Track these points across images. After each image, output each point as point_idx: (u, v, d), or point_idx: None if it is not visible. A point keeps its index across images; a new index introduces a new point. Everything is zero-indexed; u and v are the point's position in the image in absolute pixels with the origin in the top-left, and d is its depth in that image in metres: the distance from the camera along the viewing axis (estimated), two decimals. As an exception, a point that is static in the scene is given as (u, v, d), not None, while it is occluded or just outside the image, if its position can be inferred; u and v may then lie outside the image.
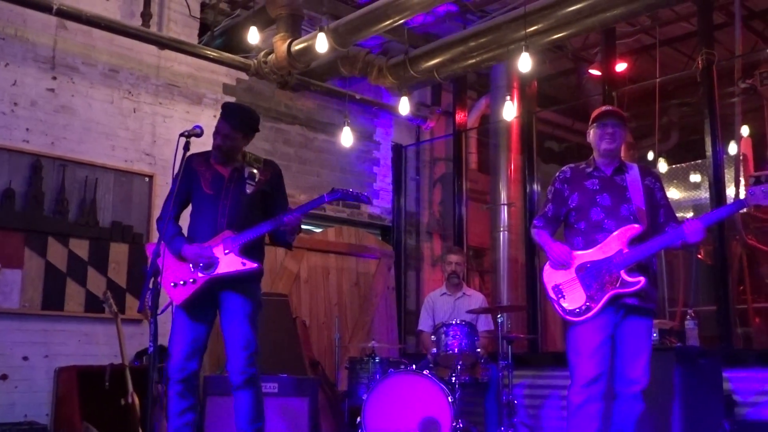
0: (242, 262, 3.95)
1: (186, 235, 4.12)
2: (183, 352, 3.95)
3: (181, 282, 3.98)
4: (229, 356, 3.98)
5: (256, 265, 3.98)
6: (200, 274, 3.95)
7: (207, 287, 3.98)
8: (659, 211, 3.84)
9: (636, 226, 3.68)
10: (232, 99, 6.87)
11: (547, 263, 3.88)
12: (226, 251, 3.96)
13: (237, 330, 3.97)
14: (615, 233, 3.70)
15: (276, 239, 4.23)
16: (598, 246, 3.72)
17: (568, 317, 3.73)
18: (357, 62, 6.81)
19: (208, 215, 4.05)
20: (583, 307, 3.68)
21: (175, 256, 4.02)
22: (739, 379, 5.18)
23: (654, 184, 3.88)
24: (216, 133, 4.10)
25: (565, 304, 3.74)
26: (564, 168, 4.02)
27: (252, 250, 4.02)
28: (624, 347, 3.73)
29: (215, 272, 3.95)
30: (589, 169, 3.91)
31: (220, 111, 4.23)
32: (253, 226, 3.98)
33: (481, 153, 8.53)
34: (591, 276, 3.70)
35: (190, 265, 3.99)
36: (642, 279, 3.62)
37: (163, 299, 3.86)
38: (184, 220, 4.22)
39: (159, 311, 3.66)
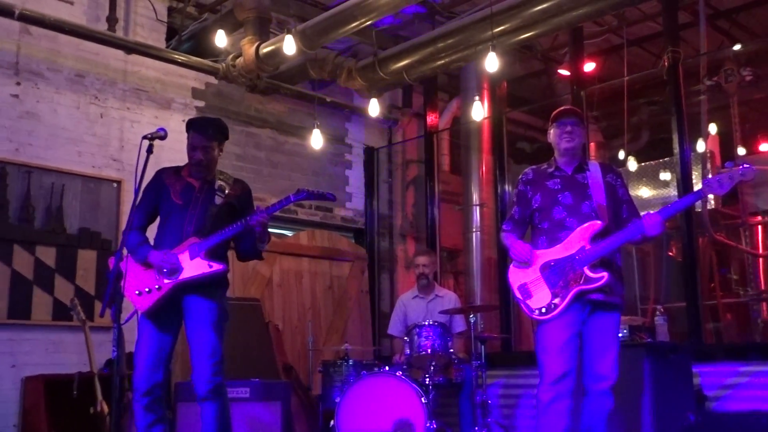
0: (209, 264, 3.90)
1: (153, 244, 4.07)
2: (148, 364, 3.87)
3: (146, 290, 3.92)
4: (194, 365, 3.90)
5: (222, 266, 3.93)
6: (165, 281, 3.90)
7: (172, 294, 3.91)
8: (622, 207, 3.87)
9: (597, 222, 3.70)
10: (201, 103, 6.83)
11: (512, 263, 3.89)
12: (192, 257, 3.91)
13: (202, 338, 3.90)
14: (577, 230, 3.72)
15: (245, 251, 4.18)
16: (561, 244, 3.74)
17: (534, 316, 3.74)
18: (326, 65, 6.79)
19: (175, 224, 4.01)
20: (549, 306, 3.69)
21: (140, 264, 3.96)
22: (709, 374, 5.23)
23: (615, 180, 3.91)
24: (193, 149, 4.06)
25: (531, 303, 3.75)
26: (526, 170, 4.06)
27: (217, 256, 3.98)
28: (592, 343, 3.74)
29: (180, 277, 3.90)
30: (551, 169, 3.94)
31: (186, 128, 4.16)
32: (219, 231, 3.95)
33: (452, 154, 8.55)
34: (555, 274, 3.71)
35: (155, 272, 3.93)
36: (605, 274, 3.64)
37: (129, 308, 3.82)
38: (153, 231, 4.17)
39: (123, 320, 3.63)
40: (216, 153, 4.13)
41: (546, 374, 3.70)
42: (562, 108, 4.02)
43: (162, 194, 4.09)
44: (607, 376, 3.70)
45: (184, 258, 3.91)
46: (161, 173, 4.16)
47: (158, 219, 4.16)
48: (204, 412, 3.90)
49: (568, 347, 3.67)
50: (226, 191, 4.12)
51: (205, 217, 4.01)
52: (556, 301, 3.68)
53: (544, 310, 3.70)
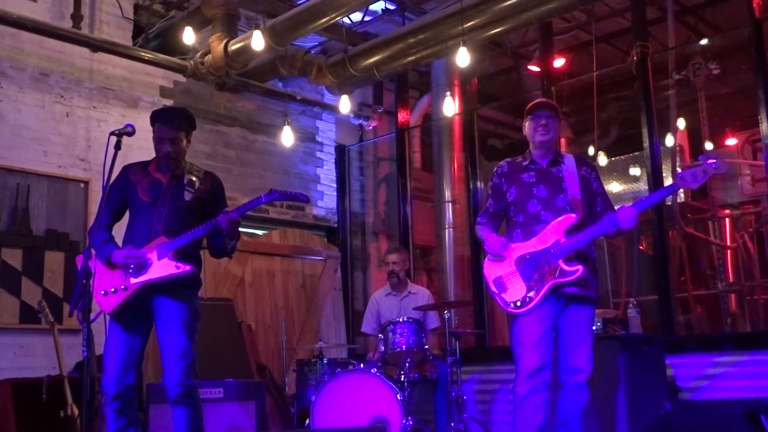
0: (176, 266, 3.79)
1: (121, 244, 3.96)
2: (117, 366, 3.76)
3: (112, 290, 3.81)
4: (165, 368, 3.80)
5: (189, 267, 3.82)
6: (132, 280, 3.79)
7: (140, 295, 3.81)
8: (596, 200, 3.88)
9: (572, 215, 3.71)
10: (169, 102, 6.75)
11: (487, 257, 3.88)
12: (160, 257, 3.80)
13: (173, 339, 3.80)
14: (552, 224, 3.72)
15: (215, 248, 4.08)
16: (536, 237, 3.74)
17: (509, 309, 3.74)
18: (296, 62, 6.75)
19: (143, 222, 3.90)
20: (524, 299, 3.69)
21: (104, 263, 3.85)
22: (681, 365, 5.28)
23: (590, 173, 3.92)
24: (161, 142, 3.93)
25: (506, 297, 3.75)
26: (501, 163, 4.05)
27: (187, 256, 3.88)
28: (566, 337, 3.74)
29: (148, 278, 3.79)
30: (526, 162, 3.93)
31: (151, 120, 4.03)
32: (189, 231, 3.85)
33: (424, 152, 8.55)
34: (530, 267, 3.71)
35: (122, 272, 3.82)
36: (580, 267, 3.64)
37: (97, 308, 3.73)
38: (120, 229, 4.07)
39: (91, 319, 3.54)
40: (184, 144, 4.01)
41: (522, 368, 3.69)
42: (537, 101, 4.02)
43: (129, 191, 3.97)
44: (582, 369, 3.71)
45: (152, 257, 3.81)
46: (127, 169, 4.04)
47: (126, 217, 4.06)
48: (176, 416, 3.82)
49: (544, 340, 3.68)
50: (196, 186, 4.01)
51: (174, 216, 3.90)
52: (531, 294, 3.67)
53: (519, 303, 3.70)
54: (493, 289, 3.82)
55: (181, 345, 3.80)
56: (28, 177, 5.72)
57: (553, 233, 3.70)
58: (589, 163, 4.05)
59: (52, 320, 4.98)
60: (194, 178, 4.03)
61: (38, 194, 5.75)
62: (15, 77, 5.80)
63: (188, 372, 3.79)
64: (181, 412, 3.80)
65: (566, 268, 3.65)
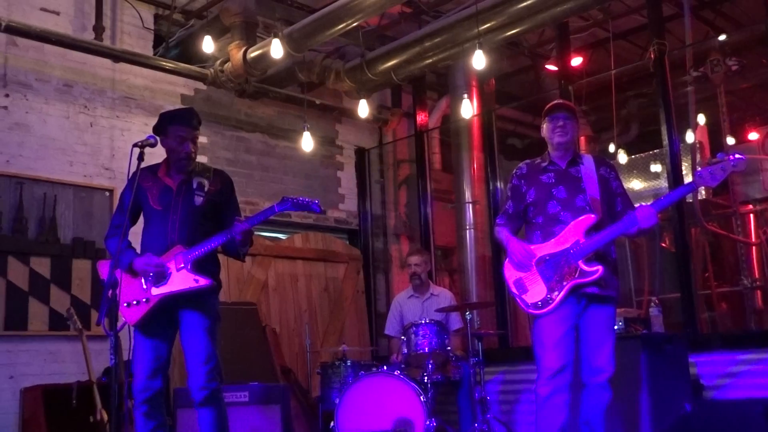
0: (195, 279, 3.84)
1: (139, 250, 4.03)
2: (145, 372, 3.87)
3: (134, 302, 3.88)
4: (190, 372, 3.89)
5: (208, 281, 3.88)
6: (153, 291, 3.86)
7: (161, 306, 3.89)
8: (616, 199, 3.89)
9: (591, 216, 3.72)
10: (190, 109, 6.83)
11: (507, 259, 3.91)
12: (179, 267, 3.86)
13: (196, 345, 3.88)
14: (571, 224, 3.74)
15: (228, 252, 4.12)
16: (556, 238, 3.76)
17: (530, 311, 3.77)
18: (314, 67, 6.80)
19: (158, 231, 3.95)
20: (545, 300, 3.71)
21: (125, 271, 3.90)
22: (705, 363, 5.24)
23: (609, 173, 3.93)
24: (182, 142, 3.96)
25: (526, 298, 3.77)
26: (520, 164, 4.07)
27: (206, 264, 3.94)
28: (588, 337, 3.76)
29: (168, 290, 3.86)
30: (544, 164, 3.95)
31: (166, 121, 4.05)
32: (205, 240, 3.88)
33: (443, 153, 8.56)
34: (550, 268, 3.73)
35: (142, 281, 3.89)
36: (600, 267, 3.66)
37: (120, 318, 3.81)
38: (136, 235, 4.13)
39: (114, 330, 3.61)
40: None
41: (543, 368, 3.72)
42: (554, 102, 4.03)
43: (140, 198, 4.03)
44: (604, 369, 3.73)
45: (171, 267, 3.87)
46: (137, 175, 4.03)
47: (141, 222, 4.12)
48: (201, 418, 3.90)
49: (565, 341, 3.69)
50: (206, 188, 4.04)
51: (187, 222, 3.95)
52: (552, 295, 3.70)
53: (539, 304, 3.72)
54: (514, 290, 3.84)
55: (205, 349, 3.88)
56: (54, 187, 5.83)
57: (572, 234, 3.72)
58: (608, 162, 4.06)
59: (80, 327, 5.09)
60: (203, 180, 4.06)
61: (64, 203, 5.86)
62: (40, 89, 5.91)
63: (212, 375, 3.87)
64: (207, 415, 3.88)
65: (586, 268, 3.66)
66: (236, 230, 3.85)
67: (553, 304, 3.70)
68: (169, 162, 4.09)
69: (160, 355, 3.93)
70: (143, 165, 3.76)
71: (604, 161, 4.05)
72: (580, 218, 3.73)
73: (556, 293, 3.69)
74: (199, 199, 3.99)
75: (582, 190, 3.82)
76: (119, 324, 3.68)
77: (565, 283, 3.68)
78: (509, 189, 4.04)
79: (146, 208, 4.03)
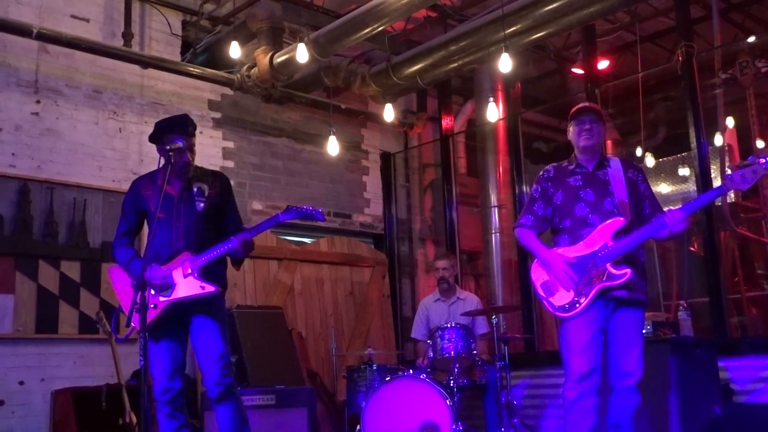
0: (201, 286, 3.92)
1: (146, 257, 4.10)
2: (165, 373, 3.95)
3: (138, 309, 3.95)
4: (204, 371, 3.97)
5: (214, 288, 3.95)
6: (161, 299, 3.93)
7: (170, 311, 3.96)
8: (644, 202, 3.86)
9: (620, 219, 3.70)
10: (217, 115, 6.91)
11: (535, 261, 3.89)
12: (186, 274, 3.93)
13: (209, 344, 3.96)
14: (599, 227, 3.71)
15: (228, 254, 4.16)
16: (584, 241, 3.74)
17: (557, 313, 3.75)
18: (340, 72, 6.83)
19: (163, 238, 4.00)
20: (572, 303, 3.69)
21: (134, 279, 3.98)
22: (735, 368, 5.18)
23: (637, 176, 3.90)
24: (180, 152, 3.94)
25: (553, 301, 3.75)
26: (547, 167, 4.05)
27: (212, 268, 4.00)
28: (616, 340, 3.73)
29: (175, 297, 3.93)
30: (572, 167, 3.93)
31: (163, 130, 4.08)
32: (211, 246, 3.95)
33: (469, 157, 8.55)
34: (578, 271, 3.70)
35: (149, 289, 3.93)
36: (628, 271, 3.63)
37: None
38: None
39: (124, 336, 3.88)
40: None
41: (571, 372, 3.69)
42: (580, 105, 4.01)
43: (142, 206, 4.10)
44: (632, 373, 3.69)
45: (177, 274, 3.94)
46: (137, 184, 4.17)
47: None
48: (219, 414, 3.97)
49: (593, 344, 3.67)
50: (206, 193, 4.09)
51: (191, 229, 4.01)
52: (579, 298, 3.67)
53: (566, 307, 3.70)
54: (541, 293, 3.82)
55: (218, 347, 3.96)
56: (84, 191, 5.91)
57: (600, 237, 3.70)
58: (636, 165, 4.03)
59: (109, 330, 5.14)
60: (203, 186, 4.10)
61: (94, 208, 5.93)
62: (70, 95, 6.00)
63: (226, 370, 3.94)
64: (225, 409, 3.95)
65: (614, 271, 3.64)
66: (239, 238, 3.91)
67: (580, 308, 3.67)
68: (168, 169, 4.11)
69: (176, 356, 4.01)
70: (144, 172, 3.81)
71: (632, 164, 4.02)
72: (609, 221, 3.70)
73: (584, 296, 3.67)
74: (201, 205, 4.05)
75: (610, 193, 3.79)
76: (128, 331, 3.81)
77: (592, 286, 3.66)
78: (536, 191, 4.00)
79: (150, 217, 4.08)
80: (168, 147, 3.74)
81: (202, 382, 3.98)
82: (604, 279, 3.65)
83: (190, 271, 3.92)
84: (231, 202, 4.24)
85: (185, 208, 4.04)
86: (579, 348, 3.68)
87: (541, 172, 4.03)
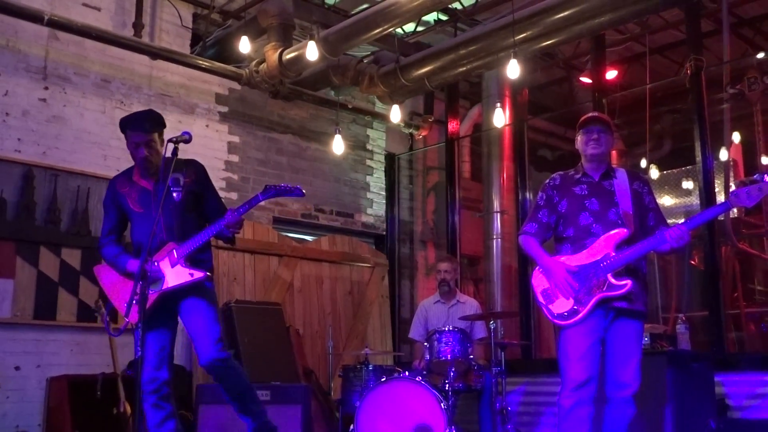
0: (189, 273, 3.96)
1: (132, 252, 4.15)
2: (151, 363, 3.96)
3: (134, 301, 3.90)
4: (199, 350, 3.97)
5: (202, 274, 3.99)
6: (150, 291, 3.90)
7: (161, 301, 3.98)
8: (648, 214, 3.86)
9: (623, 230, 3.70)
10: (224, 109, 6.91)
11: (537, 268, 3.89)
12: (173, 263, 3.97)
13: (203, 325, 3.99)
14: (602, 237, 3.72)
15: (217, 236, 4.17)
16: (587, 250, 3.74)
17: (556, 321, 3.75)
18: (348, 71, 6.83)
19: (145, 232, 3.98)
20: (571, 311, 3.69)
21: (121, 274, 4.04)
22: (732, 383, 5.19)
23: (642, 188, 3.90)
24: (137, 147, 4.02)
25: (553, 308, 3.75)
26: (553, 175, 4.05)
27: (198, 257, 4.05)
28: (614, 351, 3.73)
29: (165, 287, 3.96)
30: (578, 176, 3.93)
31: (121, 128, 4.11)
32: (194, 234, 3.98)
33: (473, 161, 8.56)
34: (579, 280, 3.71)
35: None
36: (629, 282, 3.63)
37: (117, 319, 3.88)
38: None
39: (117, 332, 3.92)
40: (159, 145, 4.10)
41: (567, 380, 3.69)
42: (589, 114, 4.01)
43: (121, 203, 4.13)
44: (629, 384, 3.69)
45: (165, 265, 3.98)
46: (114, 182, 4.19)
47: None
48: (226, 385, 4.02)
49: (590, 354, 3.67)
50: (181, 182, 4.10)
51: (172, 219, 4.04)
52: (578, 306, 3.68)
53: (565, 315, 3.70)
54: (541, 300, 3.82)
55: (212, 329, 3.99)
56: (88, 180, 5.91)
57: (603, 247, 3.70)
58: (642, 177, 4.03)
59: (107, 319, 5.13)
60: (178, 176, 4.09)
61: (97, 197, 5.92)
62: (78, 83, 6.01)
63: (221, 346, 3.97)
64: (229, 380, 4.01)
65: (615, 282, 3.64)
66: (225, 220, 3.95)
67: (579, 316, 3.67)
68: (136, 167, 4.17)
69: (163, 347, 4.03)
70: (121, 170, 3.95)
71: (638, 175, 4.02)
72: (612, 232, 3.71)
73: (583, 305, 3.67)
74: (178, 195, 4.06)
75: (615, 204, 3.79)
76: (122, 326, 3.85)
77: (592, 296, 3.66)
78: (542, 198, 4.00)
79: (128, 212, 4.12)
80: (174, 139, 3.75)
81: (199, 362, 4.00)
82: (604, 289, 3.65)
83: (177, 259, 3.96)
84: (210, 187, 4.26)
85: (163, 200, 4.01)
86: (576, 357, 3.68)
87: (547, 180, 4.03)
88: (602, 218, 3.77)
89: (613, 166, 4.01)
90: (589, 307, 3.65)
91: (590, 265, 3.70)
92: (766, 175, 3.46)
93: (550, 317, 3.78)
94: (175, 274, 3.95)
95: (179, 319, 4.10)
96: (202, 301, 4.03)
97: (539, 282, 3.84)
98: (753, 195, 3.47)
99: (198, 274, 3.96)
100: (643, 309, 3.78)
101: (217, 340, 3.96)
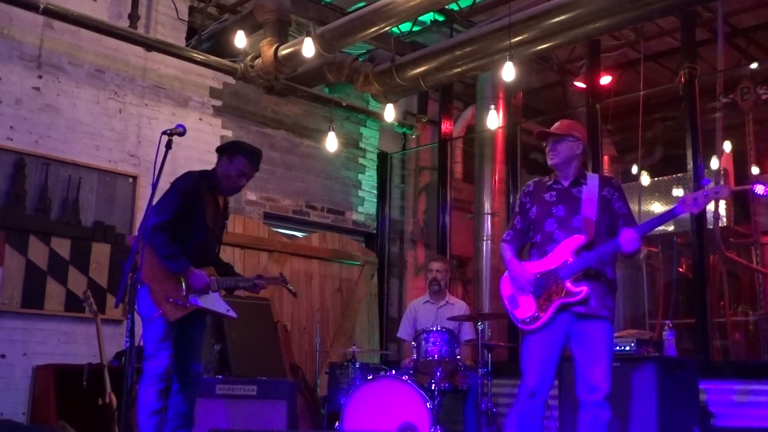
0: (227, 309, 4.22)
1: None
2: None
3: (178, 302, 4.07)
4: (182, 359, 4.16)
5: (234, 316, 4.30)
6: (190, 302, 4.07)
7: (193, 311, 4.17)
8: (618, 220, 3.85)
9: (580, 236, 3.73)
10: (218, 103, 6.90)
11: (506, 273, 3.95)
12: (213, 290, 4.19)
13: (195, 342, 4.28)
14: (561, 243, 3.77)
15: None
16: (547, 256, 3.80)
17: (520, 326, 3.84)
18: (343, 68, 6.84)
19: (202, 246, 4.15)
20: (533, 316, 3.76)
21: (174, 272, 4.07)
22: (715, 391, 5.22)
23: (612, 194, 3.90)
24: (241, 176, 4.20)
25: (517, 314, 3.85)
26: (529, 182, 4.13)
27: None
28: (580, 355, 3.74)
29: (202, 306, 4.14)
30: (550, 182, 3.99)
31: (234, 150, 4.27)
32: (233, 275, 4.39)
33: (466, 163, 8.57)
34: (540, 286, 3.75)
35: (182, 285, 4.07)
36: (585, 288, 3.67)
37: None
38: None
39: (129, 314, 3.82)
40: None
41: (523, 385, 3.78)
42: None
43: (197, 209, 4.15)
44: (598, 387, 3.67)
45: (211, 284, 4.20)
46: (200, 186, 4.20)
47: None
48: (181, 399, 4.20)
49: (547, 361, 3.74)
50: (227, 212, 4.44)
51: (219, 242, 4.33)
52: (540, 313, 3.73)
53: (528, 320, 3.78)
54: (507, 305, 3.91)
55: (201, 347, 4.33)
56: (79, 170, 5.90)
57: (562, 253, 3.76)
58: (614, 183, 4.01)
59: (95, 310, 5.13)
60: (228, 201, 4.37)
61: (88, 187, 5.92)
62: (72, 73, 5.99)
63: (199, 362, 4.32)
64: (189, 395, 4.22)
65: (572, 288, 3.69)
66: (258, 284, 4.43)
67: (539, 322, 3.74)
68: (217, 182, 4.26)
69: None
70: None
71: (610, 181, 4.01)
72: (569, 238, 3.76)
73: (544, 311, 3.73)
74: (227, 221, 4.36)
75: (579, 211, 3.83)
76: (157, 314, 3.98)
77: (552, 302, 3.72)
78: (518, 205, 4.09)
79: (200, 221, 4.16)
80: (168, 131, 3.72)
81: (184, 367, 4.16)
82: (562, 296, 3.69)
83: (217, 287, 4.21)
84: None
85: (221, 222, 4.31)
86: (532, 363, 3.76)
87: (524, 187, 4.12)
88: (566, 225, 3.81)
89: (587, 172, 4.02)
90: (549, 313, 3.72)
91: (550, 272, 3.76)
92: (709, 182, 3.54)
93: (515, 322, 3.86)
94: (214, 300, 4.23)
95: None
96: (204, 327, 4.39)
97: (505, 288, 3.93)
98: (699, 201, 3.55)
99: (232, 315, 4.32)
100: (605, 313, 3.74)
101: (199, 358, 4.29)
